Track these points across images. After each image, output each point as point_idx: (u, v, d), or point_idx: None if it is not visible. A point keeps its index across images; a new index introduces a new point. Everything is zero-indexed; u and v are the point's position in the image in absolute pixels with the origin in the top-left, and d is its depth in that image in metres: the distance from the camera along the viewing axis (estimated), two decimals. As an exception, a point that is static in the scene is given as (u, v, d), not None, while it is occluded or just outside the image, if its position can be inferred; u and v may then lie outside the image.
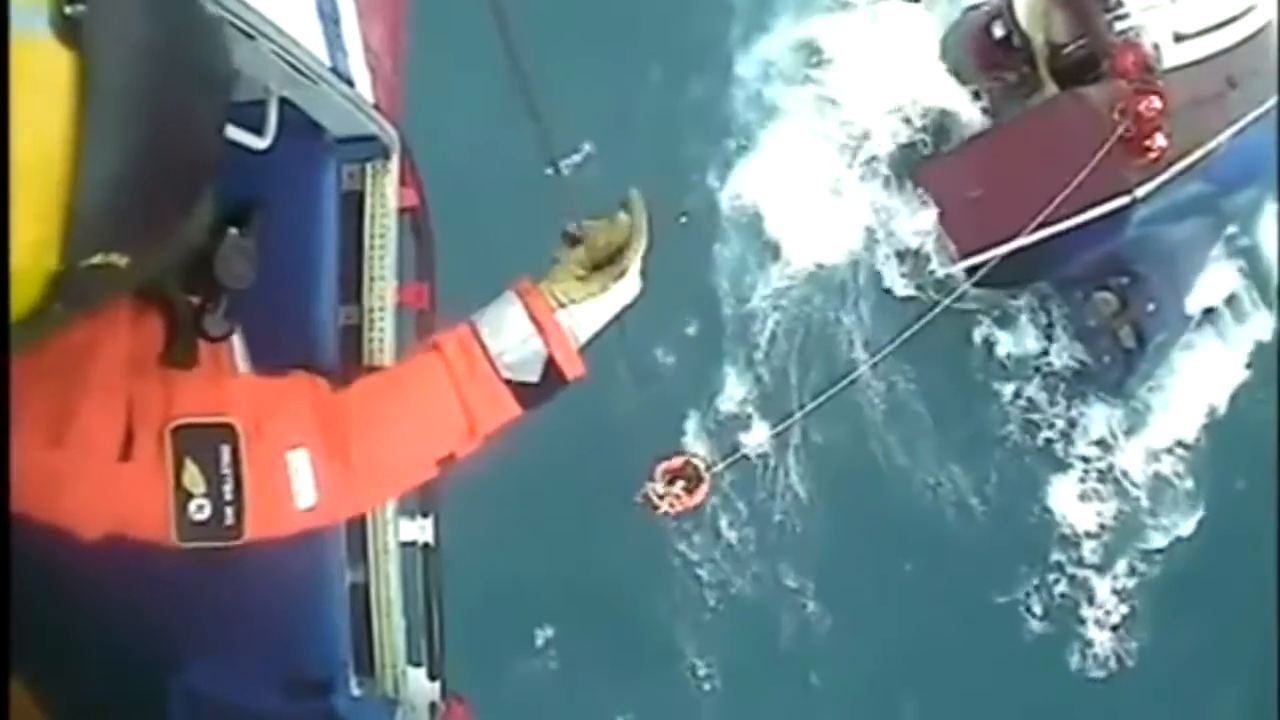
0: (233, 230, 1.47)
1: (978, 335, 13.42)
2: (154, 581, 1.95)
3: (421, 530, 2.63)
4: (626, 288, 1.78)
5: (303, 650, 2.24)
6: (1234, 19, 15.10)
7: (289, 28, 1.99)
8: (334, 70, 2.28)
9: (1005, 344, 13.61)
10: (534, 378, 1.68)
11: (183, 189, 1.22)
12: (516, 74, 1.84)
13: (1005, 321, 13.72)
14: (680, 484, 11.24)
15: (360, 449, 1.59)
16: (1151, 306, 14.89)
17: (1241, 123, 14.92)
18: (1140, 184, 13.74)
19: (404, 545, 2.54)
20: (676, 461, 11.28)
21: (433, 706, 2.50)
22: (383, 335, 2.43)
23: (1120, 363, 14.99)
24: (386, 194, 2.47)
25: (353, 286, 2.41)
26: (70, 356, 1.38)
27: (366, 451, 1.60)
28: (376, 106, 2.45)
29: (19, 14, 1.01)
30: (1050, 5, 14.92)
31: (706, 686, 11.34)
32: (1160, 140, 13.56)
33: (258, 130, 1.95)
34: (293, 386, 1.64)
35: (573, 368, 1.71)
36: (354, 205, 2.45)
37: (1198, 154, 14.33)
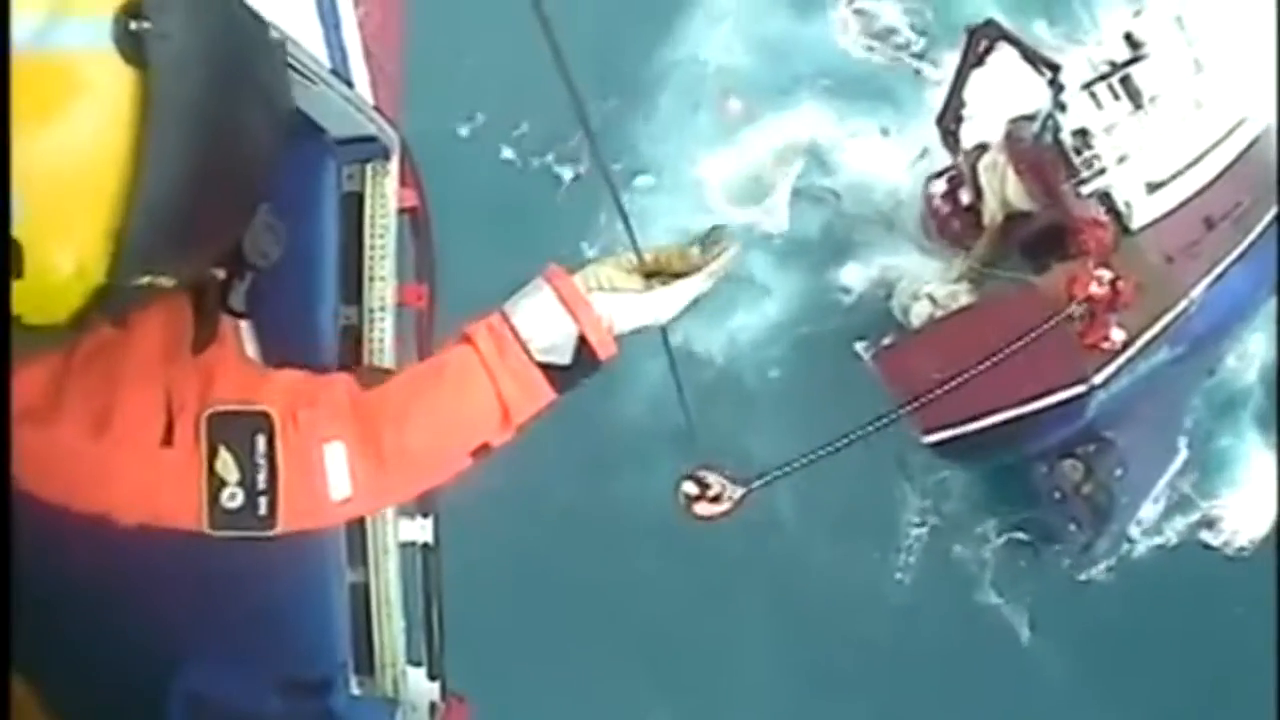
0: (263, 205, 1.43)
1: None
2: (155, 583, 1.95)
3: (421, 530, 2.62)
4: (670, 298, 1.68)
5: (303, 650, 2.24)
6: (1215, 145, 13.66)
7: (289, 29, 1.99)
8: (334, 71, 2.28)
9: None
10: (566, 360, 1.62)
11: (234, 213, 1.20)
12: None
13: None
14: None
15: (393, 442, 1.59)
16: (1119, 471, 14.07)
17: (1219, 269, 13.67)
18: (1097, 370, 12.96)
19: (404, 545, 2.54)
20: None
21: (433, 706, 2.50)
22: (383, 335, 2.43)
23: (1087, 527, 14.29)
24: (386, 195, 2.47)
25: (353, 287, 2.42)
26: (107, 351, 1.38)
27: (399, 445, 1.59)
28: (376, 107, 2.45)
29: (81, 27, 0.99)
30: (1010, 168, 13.50)
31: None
32: (1117, 335, 12.84)
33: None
34: (329, 382, 1.64)
35: (605, 347, 1.65)
36: (354, 206, 2.45)
37: (1165, 320, 13.30)
